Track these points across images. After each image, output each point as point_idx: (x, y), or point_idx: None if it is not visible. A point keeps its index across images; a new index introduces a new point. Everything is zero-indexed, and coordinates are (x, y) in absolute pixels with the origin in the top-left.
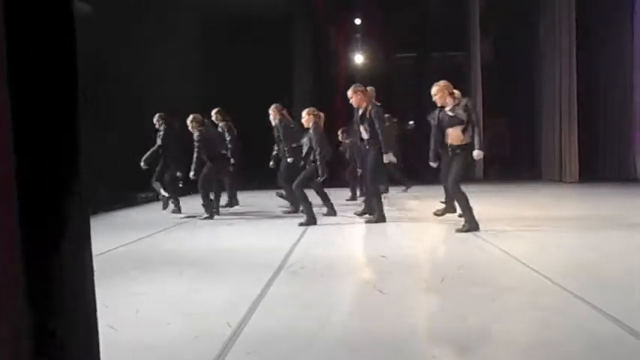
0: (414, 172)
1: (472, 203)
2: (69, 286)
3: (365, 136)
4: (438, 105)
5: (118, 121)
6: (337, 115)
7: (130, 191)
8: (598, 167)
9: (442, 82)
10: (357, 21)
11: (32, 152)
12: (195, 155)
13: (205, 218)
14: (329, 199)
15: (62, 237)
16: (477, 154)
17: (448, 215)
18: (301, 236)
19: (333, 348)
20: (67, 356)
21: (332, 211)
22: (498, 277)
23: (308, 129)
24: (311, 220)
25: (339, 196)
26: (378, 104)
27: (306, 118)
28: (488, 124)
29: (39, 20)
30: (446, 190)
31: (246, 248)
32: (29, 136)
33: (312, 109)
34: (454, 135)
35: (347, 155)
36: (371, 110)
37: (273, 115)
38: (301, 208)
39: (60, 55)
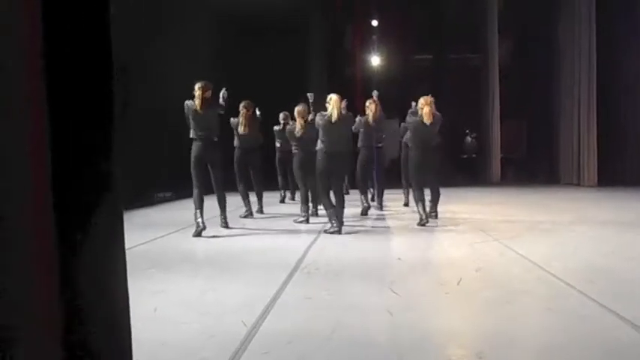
0: None
1: (489, 205)
2: (101, 287)
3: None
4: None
5: (135, 121)
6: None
7: (148, 190)
8: (617, 170)
9: None
10: (374, 22)
11: (68, 151)
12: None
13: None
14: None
15: (96, 236)
16: None
17: (462, 218)
18: (316, 238)
19: (348, 349)
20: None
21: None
22: (515, 280)
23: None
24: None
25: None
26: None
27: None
28: (505, 125)
29: (76, 21)
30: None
31: (261, 249)
32: (65, 136)
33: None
34: None
35: None
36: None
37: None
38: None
39: (96, 54)
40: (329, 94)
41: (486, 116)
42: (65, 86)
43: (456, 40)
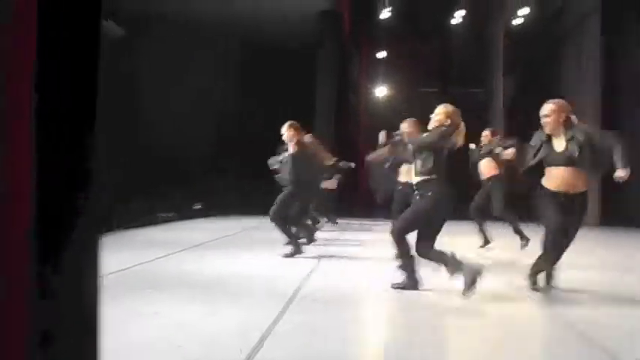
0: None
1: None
2: (73, 303)
3: None
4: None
5: (142, 140)
6: (357, 144)
7: (150, 210)
8: (622, 209)
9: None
10: (382, 54)
11: (51, 170)
12: None
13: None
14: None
15: (73, 253)
16: None
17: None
18: (316, 265)
19: None
20: None
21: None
22: (523, 322)
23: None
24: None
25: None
26: None
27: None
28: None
29: (68, 35)
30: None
31: (261, 274)
32: (50, 156)
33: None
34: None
35: None
36: None
37: None
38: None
39: (84, 70)
40: (335, 123)
41: None
42: (52, 100)
43: (462, 74)
